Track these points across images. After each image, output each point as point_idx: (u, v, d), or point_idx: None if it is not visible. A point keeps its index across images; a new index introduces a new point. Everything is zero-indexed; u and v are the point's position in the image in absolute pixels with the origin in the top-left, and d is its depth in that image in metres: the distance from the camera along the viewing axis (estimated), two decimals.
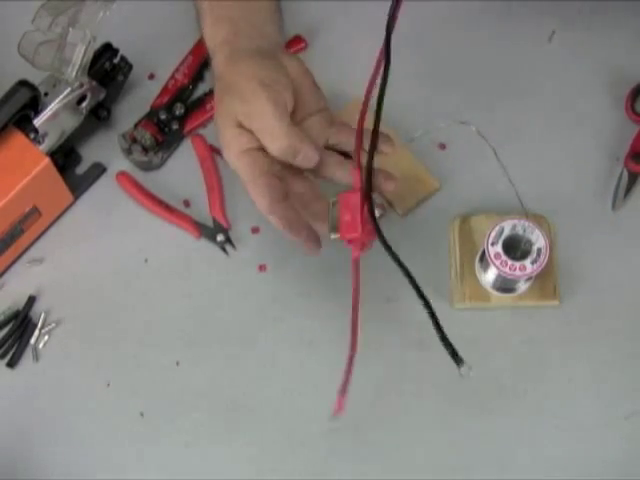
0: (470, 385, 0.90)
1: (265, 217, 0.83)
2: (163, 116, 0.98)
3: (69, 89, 0.91)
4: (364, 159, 0.81)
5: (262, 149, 0.82)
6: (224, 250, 0.95)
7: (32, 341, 0.92)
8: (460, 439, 0.89)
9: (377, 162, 0.96)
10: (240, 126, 0.82)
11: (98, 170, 0.98)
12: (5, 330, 0.92)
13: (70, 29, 0.87)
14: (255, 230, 0.96)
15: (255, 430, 0.89)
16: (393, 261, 0.78)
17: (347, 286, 0.93)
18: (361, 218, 0.80)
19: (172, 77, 1.00)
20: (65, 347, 0.92)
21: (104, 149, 0.99)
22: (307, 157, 0.82)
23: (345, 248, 0.92)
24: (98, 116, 0.97)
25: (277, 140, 0.81)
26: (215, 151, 0.98)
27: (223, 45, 0.87)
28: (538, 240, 0.87)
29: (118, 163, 0.98)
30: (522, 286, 0.91)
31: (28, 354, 0.92)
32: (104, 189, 0.97)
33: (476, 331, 0.92)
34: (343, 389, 0.76)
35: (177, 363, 0.91)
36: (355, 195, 0.81)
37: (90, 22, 0.87)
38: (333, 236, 0.81)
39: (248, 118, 0.81)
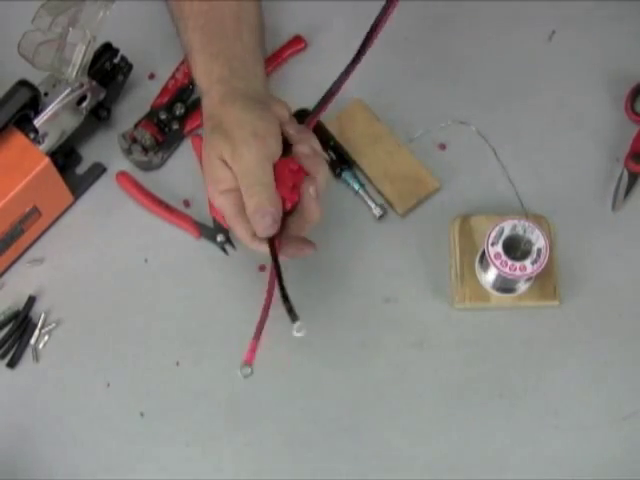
0: (470, 385, 0.90)
1: (248, 246, 0.84)
2: (163, 116, 0.98)
3: (69, 89, 0.91)
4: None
5: None
6: (224, 250, 0.95)
7: (32, 341, 0.92)
8: (460, 439, 0.89)
9: (379, 162, 0.97)
10: (226, 167, 0.82)
11: (98, 170, 0.98)
12: (5, 330, 0.92)
13: (70, 29, 0.87)
14: None
15: (255, 430, 0.89)
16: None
17: (347, 286, 0.93)
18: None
19: (172, 77, 1.00)
20: (65, 347, 0.92)
21: (104, 149, 0.99)
22: (265, 222, 0.80)
23: (346, 249, 0.92)
24: (98, 116, 0.97)
25: (250, 192, 0.80)
26: None
27: (218, 84, 0.86)
28: (538, 240, 0.87)
29: (118, 163, 0.98)
30: (522, 286, 0.91)
31: (28, 354, 0.92)
32: (104, 189, 0.97)
33: (476, 331, 0.92)
34: (258, 332, 0.78)
35: (177, 363, 0.91)
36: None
37: (90, 22, 0.87)
38: None
39: (232, 161, 0.81)
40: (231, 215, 0.83)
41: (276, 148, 0.82)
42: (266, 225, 0.80)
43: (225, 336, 0.92)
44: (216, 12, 0.90)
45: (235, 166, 0.81)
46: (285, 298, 0.79)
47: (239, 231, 0.83)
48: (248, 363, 0.77)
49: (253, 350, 0.77)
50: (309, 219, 0.83)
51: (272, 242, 0.82)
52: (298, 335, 0.77)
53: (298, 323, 0.77)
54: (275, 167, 0.82)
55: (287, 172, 0.82)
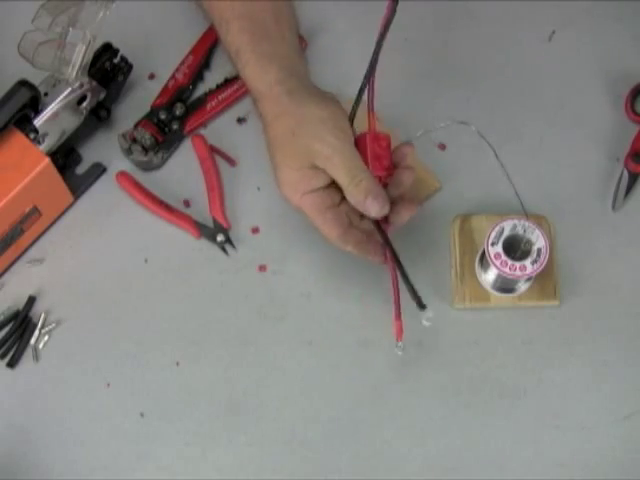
0: (470, 385, 0.90)
1: (339, 248, 0.85)
2: (163, 116, 0.98)
3: (69, 89, 0.91)
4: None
5: (326, 187, 0.84)
6: (224, 250, 0.95)
7: (32, 341, 0.92)
8: (460, 439, 0.89)
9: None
10: (313, 167, 0.83)
11: (98, 170, 0.98)
12: (5, 330, 0.92)
13: (70, 29, 0.87)
14: (255, 230, 0.96)
15: (255, 430, 0.89)
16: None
17: (346, 286, 0.93)
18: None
19: (172, 77, 1.00)
20: (65, 347, 0.92)
21: (104, 149, 0.99)
22: (379, 203, 0.82)
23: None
24: (98, 116, 0.97)
25: (356, 181, 0.82)
26: (215, 151, 0.98)
27: (278, 85, 0.86)
28: (538, 240, 0.87)
29: (118, 163, 0.98)
30: (522, 286, 0.91)
31: (28, 354, 0.92)
32: (104, 189, 0.97)
33: (476, 331, 0.92)
34: (397, 314, 0.84)
35: (177, 363, 0.91)
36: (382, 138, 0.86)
37: (90, 22, 0.87)
38: None
39: (328, 160, 0.82)
40: (317, 214, 0.84)
41: (353, 138, 0.84)
42: (380, 206, 0.82)
43: (225, 336, 0.92)
44: (258, 14, 0.90)
45: (332, 163, 0.82)
46: (410, 287, 0.83)
47: (326, 229, 0.84)
48: (400, 341, 0.84)
49: (400, 329, 0.84)
50: (404, 184, 0.85)
51: (380, 226, 0.85)
52: (427, 324, 0.83)
53: (426, 312, 0.83)
54: (366, 143, 0.84)
55: (378, 148, 0.84)
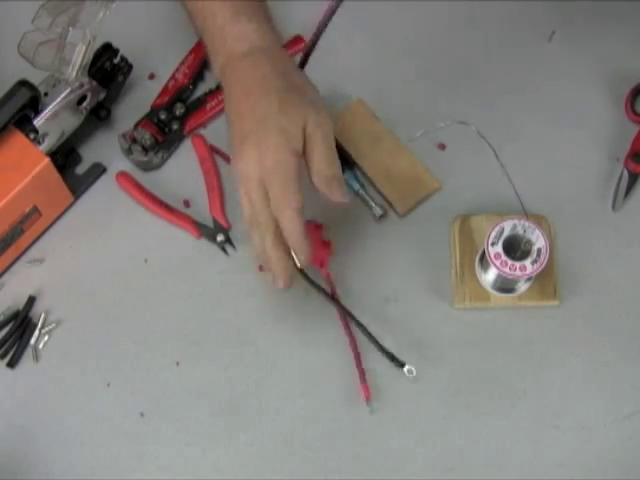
0: (470, 385, 0.90)
1: (292, 231, 0.82)
2: (163, 116, 0.98)
3: (69, 89, 0.91)
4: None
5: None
6: (224, 250, 0.95)
7: (32, 341, 0.92)
8: (460, 439, 0.89)
9: (379, 162, 0.97)
10: (303, 129, 0.81)
11: (98, 170, 0.98)
12: (5, 330, 0.92)
13: (70, 29, 0.87)
14: None
15: (255, 430, 0.89)
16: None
17: (347, 286, 0.93)
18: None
19: (172, 77, 1.00)
20: (65, 347, 0.92)
21: (104, 149, 0.99)
22: (341, 190, 0.82)
23: (346, 249, 0.92)
24: (98, 116, 0.97)
25: (331, 159, 0.82)
26: (215, 151, 0.98)
27: (279, 43, 0.88)
28: (538, 240, 0.87)
29: (118, 163, 0.98)
30: (522, 286, 0.91)
31: (28, 354, 0.92)
32: (104, 189, 0.97)
33: (476, 331, 0.92)
34: (362, 378, 0.89)
35: (177, 363, 0.91)
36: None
37: (90, 22, 0.87)
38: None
39: (316, 125, 0.81)
40: (293, 179, 0.80)
41: None
42: (342, 194, 0.82)
43: (225, 336, 0.92)
44: None
45: (319, 132, 0.81)
46: (382, 350, 0.88)
47: (297, 199, 0.80)
48: (368, 401, 0.89)
49: (367, 391, 0.89)
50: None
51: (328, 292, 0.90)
52: (410, 377, 0.88)
53: (407, 367, 0.87)
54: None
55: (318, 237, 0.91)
